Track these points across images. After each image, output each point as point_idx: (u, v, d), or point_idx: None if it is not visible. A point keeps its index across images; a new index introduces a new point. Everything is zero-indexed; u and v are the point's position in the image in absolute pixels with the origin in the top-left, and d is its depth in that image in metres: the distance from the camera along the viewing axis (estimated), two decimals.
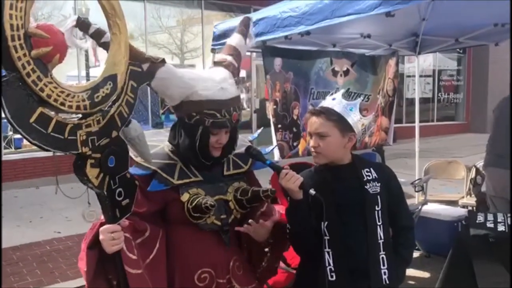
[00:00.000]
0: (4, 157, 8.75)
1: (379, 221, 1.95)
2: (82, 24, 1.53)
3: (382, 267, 1.94)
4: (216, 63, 2.00)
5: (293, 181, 1.85)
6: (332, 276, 1.93)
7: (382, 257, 1.95)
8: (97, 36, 1.59)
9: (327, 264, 1.93)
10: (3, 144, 8.85)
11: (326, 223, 1.91)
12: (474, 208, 4.98)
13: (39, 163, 8.51)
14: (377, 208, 1.96)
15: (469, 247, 2.93)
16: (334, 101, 2.01)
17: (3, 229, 6.01)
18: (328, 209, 1.87)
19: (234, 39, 2.09)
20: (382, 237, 1.95)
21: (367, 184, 1.98)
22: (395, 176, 2.13)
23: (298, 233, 1.99)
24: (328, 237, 1.93)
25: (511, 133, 3.36)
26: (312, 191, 1.83)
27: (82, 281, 1.66)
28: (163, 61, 1.67)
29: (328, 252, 1.94)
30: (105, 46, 1.60)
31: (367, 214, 1.95)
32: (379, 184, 1.99)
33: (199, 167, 1.91)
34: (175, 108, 1.87)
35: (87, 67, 10.35)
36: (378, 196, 1.97)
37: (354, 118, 1.98)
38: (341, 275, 1.93)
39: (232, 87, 1.89)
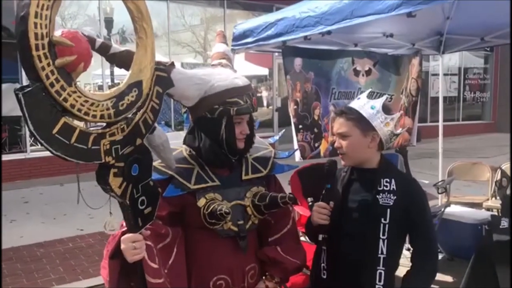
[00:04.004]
0: (30, 155, 8.95)
1: (383, 235, 1.85)
2: (88, 39, 1.50)
3: (378, 282, 1.86)
4: (213, 66, 2.00)
5: (319, 216, 1.92)
6: (324, 274, 1.96)
7: (380, 273, 1.86)
8: (104, 50, 1.58)
9: (321, 261, 1.97)
10: (30, 141, 9.04)
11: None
12: (499, 211, 4.87)
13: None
14: (383, 221, 1.86)
15: (492, 253, 2.86)
16: (358, 101, 1.99)
17: (29, 226, 6.17)
18: (333, 210, 1.90)
19: (220, 47, 2.09)
20: (385, 253, 1.85)
21: (380, 193, 1.90)
22: (420, 195, 1.97)
23: (312, 236, 2.08)
24: (326, 236, 1.95)
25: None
26: (320, 236, 1.95)
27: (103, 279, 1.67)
28: (172, 64, 1.66)
29: (324, 250, 1.97)
30: (112, 59, 1.60)
31: (370, 224, 1.88)
32: (395, 197, 1.88)
33: (220, 168, 1.90)
34: (193, 109, 1.85)
35: (112, 65, 10.44)
36: (388, 209, 1.87)
37: (376, 116, 1.92)
38: (331, 276, 1.94)
39: (242, 77, 1.91)
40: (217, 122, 1.81)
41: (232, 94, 1.81)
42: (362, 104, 1.94)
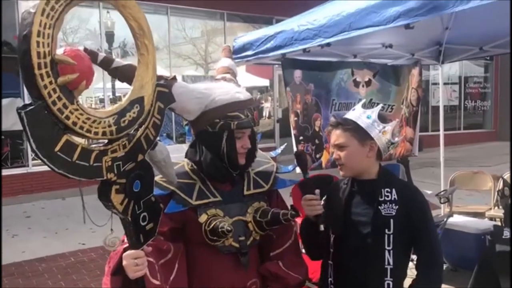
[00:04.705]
0: (32, 169, 8.95)
1: (388, 246, 1.86)
2: (90, 54, 1.49)
3: None
4: (217, 80, 2.03)
5: (311, 209, 1.90)
6: None
7: (388, 283, 1.86)
8: (106, 64, 1.60)
9: (329, 276, 1.97)
10: (32, 155, 9.05)
11: (333, 236, 1.94)
12: (502, 220, 4.85)
13: None
14: (387, 232, 1.86)
15: (495, 263, 2.84)
16: (353, 111, 2.01)
17: (31, 241, 6.16)
18: (337, 224, 1.90)
19: (225, 62, 2.14)
20: (391, 263, 1.86)
21: (382, 204, 1.90)
22: (422, 203, 1.97)
23: (309, 242, 2.06)
24: (332, 250, 1.95)
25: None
26: (321, 227, 1.89)
27: None
28: (174, 78, 1.67)
29: (330, 265, 1.96)
30: (114, 73, 1.62)
31: (373, 236, 1.88)
32: (397, 207, 1.88)
33: (220, 182, 1.90)
34: (194, 123, 1.87)
35: (114, 79, 10.48)
36: (391, 220, 1.87)
37: (372, 126, 1.93)
38: None
39: (244, 91, 1.92)
40: (218, 136, 1.82)
41: (233, 108, 1.82)
42: (358, 114, 1.96)
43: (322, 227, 1.89)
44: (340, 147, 1.95)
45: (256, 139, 1.97)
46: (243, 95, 1.88)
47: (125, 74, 1.60)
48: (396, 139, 2.02)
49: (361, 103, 2.07)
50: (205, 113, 1.81)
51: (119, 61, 1.66)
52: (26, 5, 1.16)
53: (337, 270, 1.94)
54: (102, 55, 1.62)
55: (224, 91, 1.85)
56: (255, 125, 1.91)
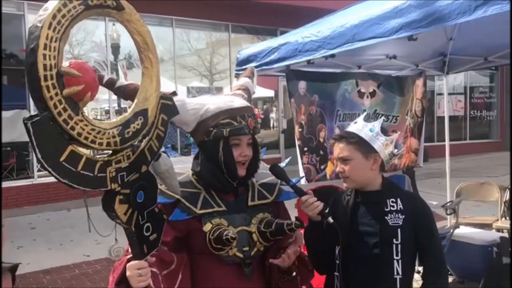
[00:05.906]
0: (37, 180, 8.99)
1: (397, 255, 1.87)
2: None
3: None
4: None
5: (311, 208, 1.86)
6: None
7: None
8: (110, 84, 1.70)
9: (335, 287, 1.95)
10: (38, 167, 9.09)
11: (339, 247, 1.93)
12: (508, 231, 4.81)
13: None
14: (395, 242, 1.88)
15: (502, 275, 2.82)
16: (356, 125, 2.02)
17: (36, 252, 6.16)
18: (343, 235, 1.88)
19: (241, 80, 2.16)
20: (400, 273, 1.87)
21: (388, 215, 1.91)
22: (426, 212, 2.00)
23: (314, 251, 2.02)
24: (338, 261, 1.94)
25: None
26: (330, 219, 1.83)
27: None
28: (174, 93, 1.70)
29: (337, 276, 1.96)
30: (118, 92, 1.71)
31: (382, 246, 1.89)
32: (403, 216, 1.90)
33: (224, 193, 1.90)
34: (193, 134, 1.90)
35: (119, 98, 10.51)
36: (399, 229, 1.89)
37: (376, 139, 1.95)
38: None
39: (241, 100, 1.95)
40: (215, 145, 1.84)
41: (223, 115, 1.84)
42: (361, 127, 1.97)
43: (330, 220, 1.83)
44: (344, 160, 1.96)
45: (259, 148, 1.97)
46: (237, 103, 1.90)
47: (126, 92, 1.71)
48: (396, 150, 2.03)
49: (362, 116, 2.09)
50: (200, 124, 1.85)
51: (121, 81, 1.76)
52: (33, 18, 1.19)
53: (345, 281, 1.93)
54: (107, 77, 1.73)
55: (218, 101, 1.89)
56: (253, 132, 1.89)
